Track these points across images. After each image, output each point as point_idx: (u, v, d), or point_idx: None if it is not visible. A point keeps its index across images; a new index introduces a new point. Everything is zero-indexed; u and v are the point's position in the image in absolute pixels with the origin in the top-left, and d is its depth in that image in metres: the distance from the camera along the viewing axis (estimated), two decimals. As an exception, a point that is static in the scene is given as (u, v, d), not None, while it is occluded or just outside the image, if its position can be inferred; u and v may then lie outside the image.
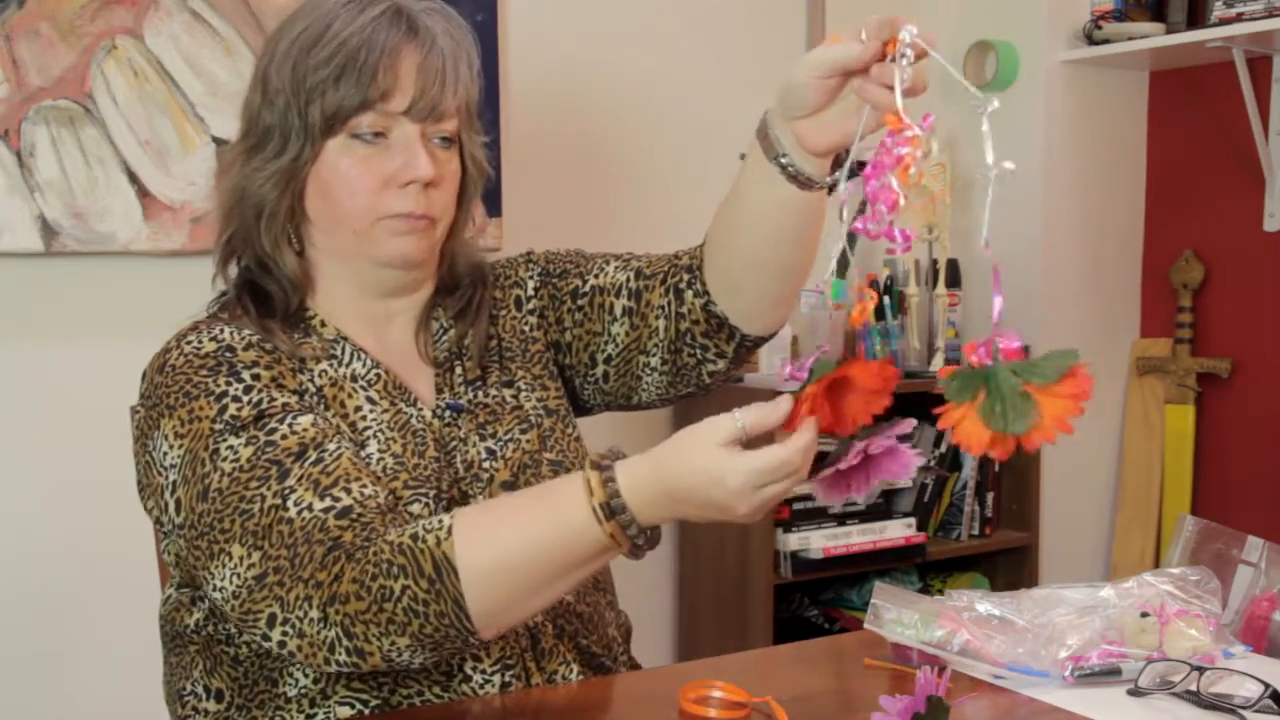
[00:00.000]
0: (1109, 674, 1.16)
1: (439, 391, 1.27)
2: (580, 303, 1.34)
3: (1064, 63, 2.90)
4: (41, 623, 2.09)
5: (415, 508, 1.17)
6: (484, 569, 1.03)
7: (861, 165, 0.94)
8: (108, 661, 2.11)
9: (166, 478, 1.14)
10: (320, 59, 1.18)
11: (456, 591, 1.02)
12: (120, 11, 2.05)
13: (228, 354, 1.17)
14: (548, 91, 2.50)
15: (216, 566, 1.09)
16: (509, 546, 1.04)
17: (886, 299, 2.71)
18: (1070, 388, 0.85)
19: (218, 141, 2.12)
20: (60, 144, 2.02)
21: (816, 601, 2.76)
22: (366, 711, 1.15)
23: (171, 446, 1.13)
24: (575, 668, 1.24)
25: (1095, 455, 3.07)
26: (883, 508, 2.70)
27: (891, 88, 0.95)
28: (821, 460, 1.00)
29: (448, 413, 1.26)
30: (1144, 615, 1.21)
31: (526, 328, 1.35)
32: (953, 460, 2.82)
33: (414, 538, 1.04)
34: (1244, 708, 1.09)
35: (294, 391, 1.17)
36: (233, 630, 1.18)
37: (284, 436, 1.11)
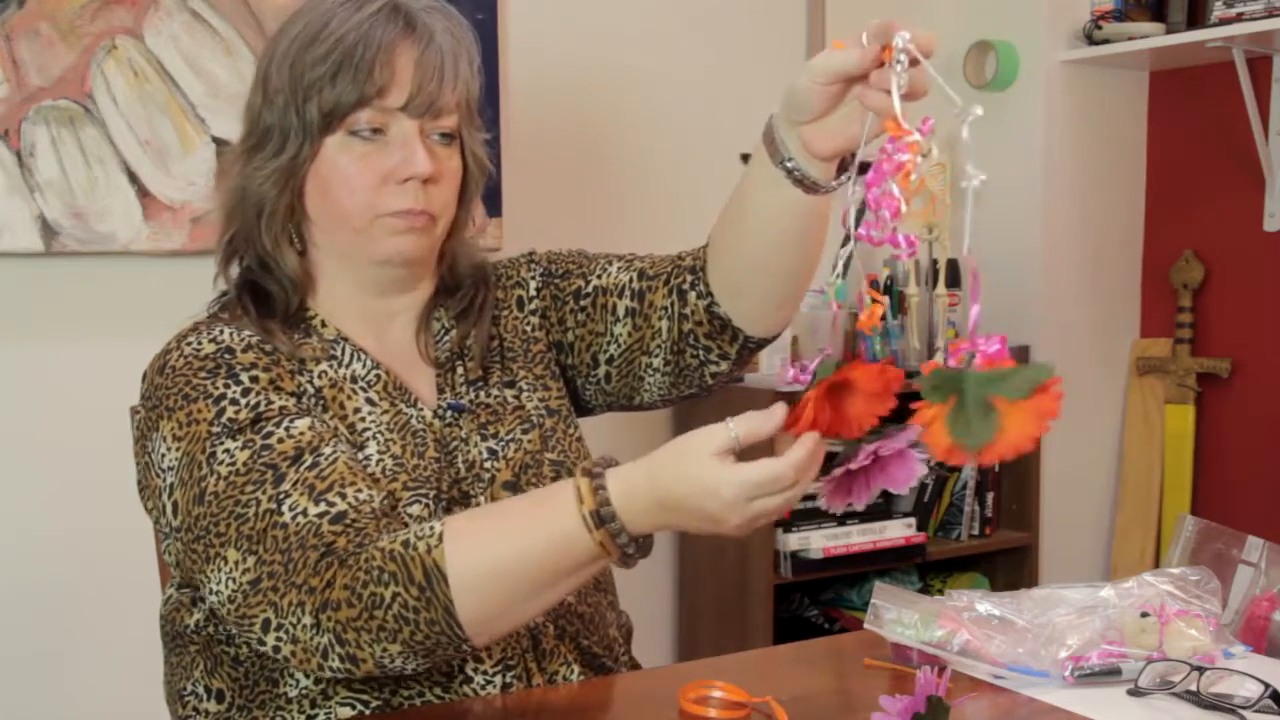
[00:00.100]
0: (1109, 674, 1.16)
1: (440, 392, 1.27)
2: (583, 303, 1.33)
3: (1064, 63, 2.90)
4: (41, 623, 2.09)
5: (415, 508, 1.17)
6: (474, 577, 1.02)
7: (866, 168, 0.94)
8: (108, 661, 2.11)
9: (164, 480, 1.14)
10: (317, 56, 1.18)
11: (447, 599, 1.02)
12: (120, 11, 2.05)
13: (226, 356, 1.17)
14: (548, 90, 2.50)
15: (212, 570, 1.09)
16: (499, 554, 1.03)
17: (886, 299, 2.71)
18: (1038, 404, 0.85)
19: (218, 141, 2.12)
20: (60, 144, 2.02)
21: (816, 601, 2.76)
22: (367, 712, 1.15)
23: (170, 449, 1.13)
24: (576, 668, 1.24)
25: (1095, 455, 3.07)
26: (883, 508, 2.70)
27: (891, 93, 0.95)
28: (829, 461, 1.00)
29: (449, 413, 1.26)
30: (1144, 615, 1.20)
31: (528, 328, 1.35)
32: (952, 460, 2.82)
33: (405, 544, 1.04)
34: (1244, 708, 1.09)
35: (292, 394, 1.17)
36: (233, 631, 1.18)
37: (280, 440, 1.11)
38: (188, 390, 1.14)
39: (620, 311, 1.31)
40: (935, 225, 2.77)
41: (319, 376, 1.21)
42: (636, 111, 2.63)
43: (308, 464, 1.10)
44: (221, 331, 1.19)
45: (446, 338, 1.30)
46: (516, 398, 1.30)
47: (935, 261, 2.78)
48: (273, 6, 2.13)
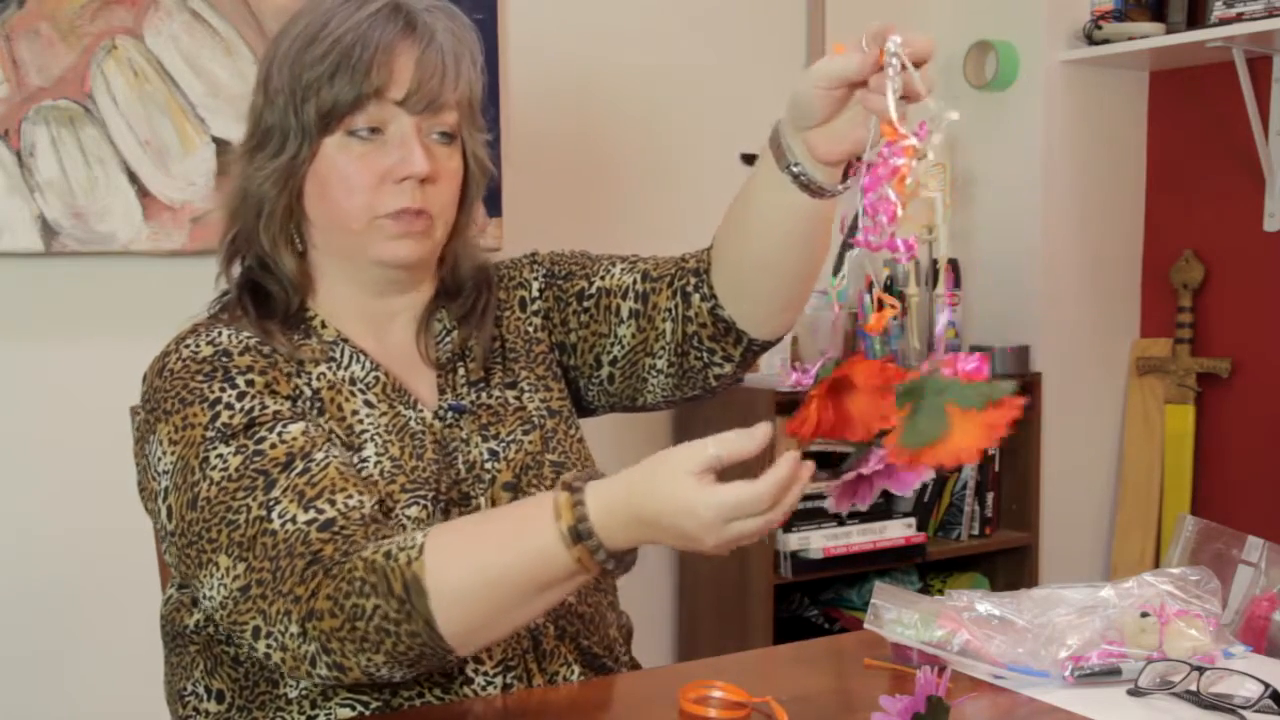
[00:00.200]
0: (1109, 674, 1.16)
1: (441, 393, 1.27)
2: (586, 304, 1.33)
3: (1064, 63, 2.89)
4: (41, 623, 2.09)
5: (413, 510, 1.17)
6: (454, 590, 1.01)
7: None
8: (108, 661, 2.11)
9: (160, 484, 1.14)
10: (315, 56, 1.18)
11: (427, 612, 1.00)
12: (120, 11, 2.05)
13: (223, 359, 1.16)
14: (548, 90, 2.50)
15: (205, 576, 1.09)
16: (479, 568, 1.01)
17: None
18: (988, 417, 0.85)
19: (218, 141, 2.12)
20: (60, 144, 2.02)
21: (816, 601, 2.76)
22: (367, 713, 1.15)
23: (166, 452, 1.14)
24: (576, 669, 1.24)
25: (1095, 455, 3.07)
26: (883, 508, 2.70)
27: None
28: (838, 463, 1.00)
29: (450, 414, 1.26)
30: (1144, 615, 1.20)
31: (531, 329, 1.35)
32: (952, 460, 2.82)
33: (387, 555, 1.02)
34: (1244, 708, 1.09)
35: (288, 397, 1.17)
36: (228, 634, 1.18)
37: (273, 446, 1.11)
38: (184, 394, 1.14)
39: (624, 313, 1.31)
40: (935, 226, 2.76)
41: (317, 378, 1.21)
42: (637, 111, 2.63)
43: (299, 470, 1.10)
44: (220, 334, 1.19)
45: (448, 339, 1.30)
46: (518, 398, 1.30)
47: (935, 261, 2.78)
48: (273, 6, 2.13)
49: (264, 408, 1.14)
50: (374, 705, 1.15)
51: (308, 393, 1.19)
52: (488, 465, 1.24)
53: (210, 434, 1.11)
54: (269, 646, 1.06)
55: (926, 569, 2.86)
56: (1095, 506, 3.10)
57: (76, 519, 2.08)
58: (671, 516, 0.96)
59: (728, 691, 1.11)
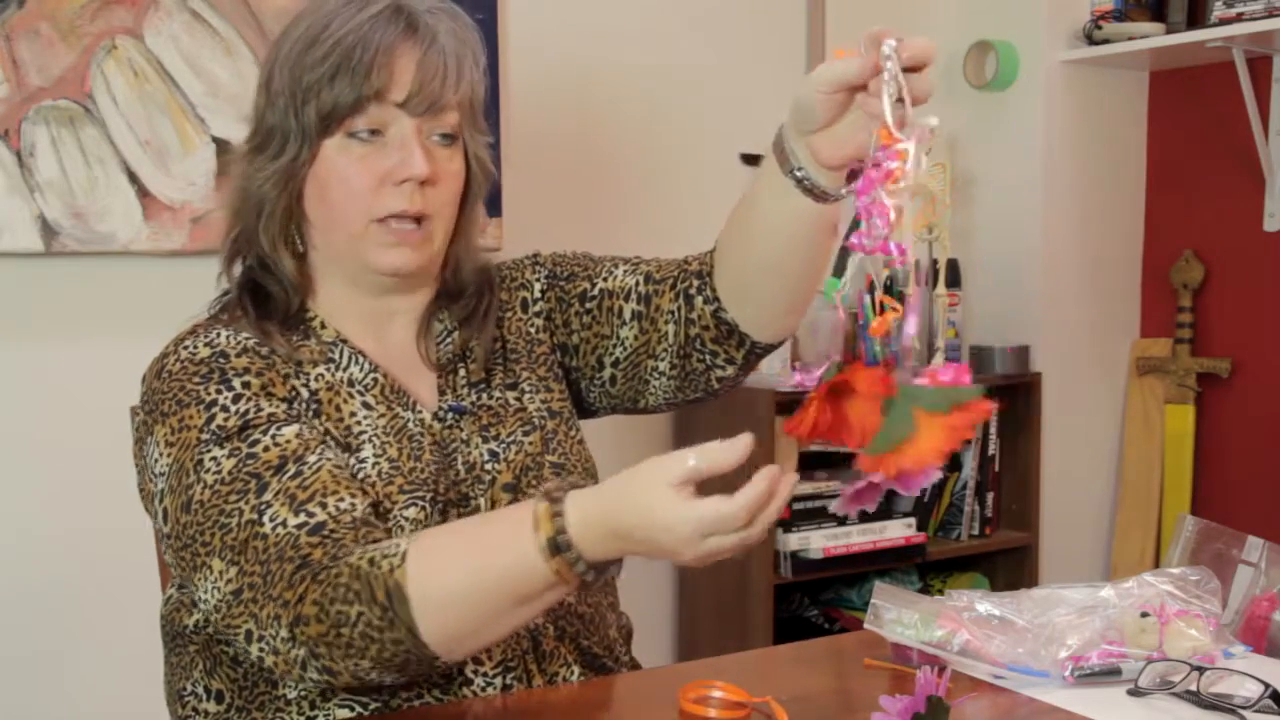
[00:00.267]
0: (1109, 674, 1.16)
1: (441, 394, 1.27)
2: (588, 305, 1.33)
3: (1064, 63, 2.89)
4: (41, 623, 2.09)
5: (411, 511, 1.17)
6: (436, 599, 1.00)
7: None
8: (108, 661, 2.11)
9: (157, 485, 1.14)
10: (316, 58, 1.18)
11: (409, 620, 1.00)
12: (120, 11, 2.05)
13: (220, 360, 1.16)
14: (548, 90, 2.50)
15: (199, 579, 1.09)
16: (459, 577, 1.01)
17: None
18: (953, 420, 0.86)
19: (218, 141, 2.12)
20: (60, 144, 2.02)
21: (816, 601, 2.76)
22: (366, 713, 1.15)
23: (162, 454, 1.14)
24: (576, 669, 1.24)
25: (1095, 455, 3.07)
26: (883, 508, 2.69)
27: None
28: (847, 464, 1.00)
29: (450, 415, 1.26)
30: (1144, 615, 1.20)
31: (532, 329, 1.35)
32: (952, 460, 2.82)
33: (370, 562, 1.02)
34: (1244, 708, 1.09)
35: (284, 399, 1.17)
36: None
37: (266, 449, 1.11)
38: (181, 396, 1.14)
39: (626, 315, 1.31)
40: (935, 225, 2.77)
41: (316, 379, 1.21)
42: (637, 112, 2.63)
43: (290, 473, 1.10)
44: (218, 335, 1.19)
45: (449, 340, 1.30)
46: (518, 399, 1.30)
47: (935, 261, 2.78)
48: (273, 7, 2.13)
49: (259, 410, 1.14)
50: (373, 706, 1.15)
51: (305, 394, 1.19)
52: (488, 466, 1.24)
53: (205, 436, 1.11)
54: (261, 650, 1.06)
55: (926, 569, 2.86)
56: (1095, 506, 3.10)
57: (76, 519, 2.08)
58: (646, 530, 0.95)
59: (728, 691, 1.12)
